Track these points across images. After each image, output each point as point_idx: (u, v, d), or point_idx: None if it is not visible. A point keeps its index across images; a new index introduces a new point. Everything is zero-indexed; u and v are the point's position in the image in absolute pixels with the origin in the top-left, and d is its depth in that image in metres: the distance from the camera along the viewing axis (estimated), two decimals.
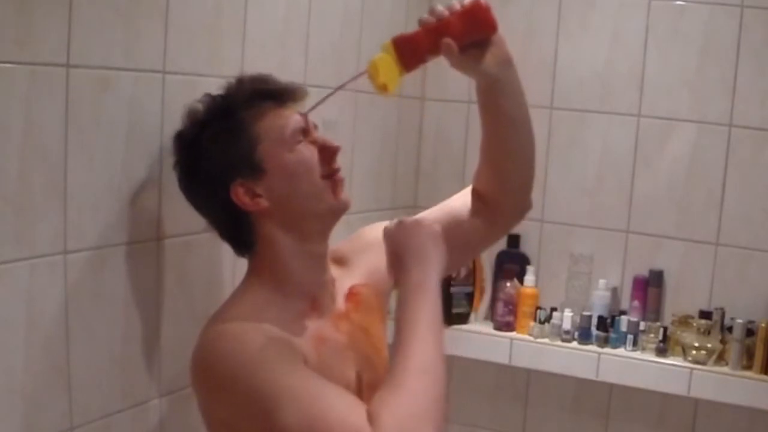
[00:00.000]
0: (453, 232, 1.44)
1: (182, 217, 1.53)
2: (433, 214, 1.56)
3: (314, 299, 1.38)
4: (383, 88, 1.33)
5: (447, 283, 2.41)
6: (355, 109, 2.22)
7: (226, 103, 1.37)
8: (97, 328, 1.42)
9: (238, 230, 1.38)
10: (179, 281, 1.57)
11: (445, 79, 2.54)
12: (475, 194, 1.56)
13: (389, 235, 1.35)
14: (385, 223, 1.39)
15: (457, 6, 1.36)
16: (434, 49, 1.34)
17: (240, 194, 1.33)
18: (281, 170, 1.34)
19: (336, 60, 2.09)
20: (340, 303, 1.42)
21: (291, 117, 1.36)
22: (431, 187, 2.56)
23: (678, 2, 2.34)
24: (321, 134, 1.40)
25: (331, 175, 1.37)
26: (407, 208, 2.56)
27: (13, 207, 1.25)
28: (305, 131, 1.37)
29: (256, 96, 1.36)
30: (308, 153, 1.36)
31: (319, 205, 1.36)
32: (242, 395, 1.20)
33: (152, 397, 1.53)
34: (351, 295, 1.45)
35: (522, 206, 1.58)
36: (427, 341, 1.22)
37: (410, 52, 1.34)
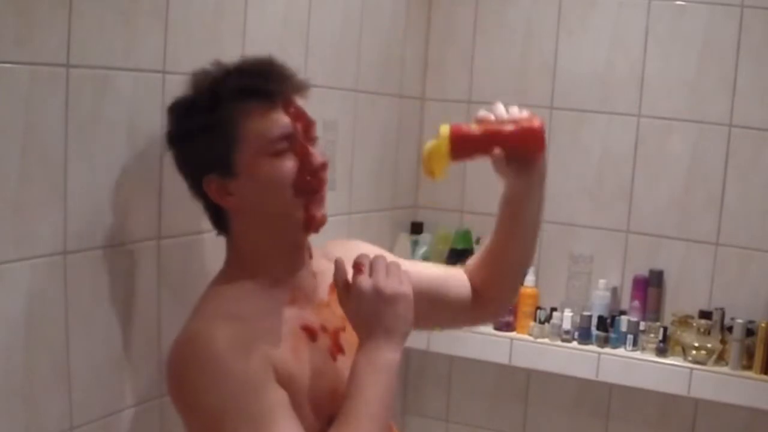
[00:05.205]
0: (435, 303, 1.53)
1: (182, 217, 1.54)
2: (427, 271, 1.58)
3: (293, 290, 1.36)
4: (431, 174, 1.42)
5: None
6: (355, 109, 2.21)
7: (215, 89, 1.31)
8: (97, 328, 1.42)
9: (214, 213, 1.37)
10: (179, 281, 1.57)
11: (445, 79, 2.55)
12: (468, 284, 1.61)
13: (360, 294, 1.26)
14: (375, 249, 1.44)
15: (516, 115, 1.41)
16: (484, 153, 1.40)
17: (212, 188, 1.32)
18: (253, 179, 1.30)
19: (336, 60, 2.09)
20: (324, 294, 1.41)
21: (277, 121, 1.29)
22: (431, 188, 2.56)
23: (678, 2, 2.34)
24: (318, 144, 1.34)
25: (308, 191, 1.31)
26: (407, 208, 2.56)
27: (13, 207, 1.25)
28: (291, 138, 1.30)
29: (245, 91, 1.29)
30: (285, 168, 1.29)
31: (286, 221, 1.32)
32: (196, 408, 1.23)
33: (152, 397, 1.53)
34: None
35: (509, 304, 1.69)
36: (379, 426, 1.22)
37: (463, 147, 1.41)
